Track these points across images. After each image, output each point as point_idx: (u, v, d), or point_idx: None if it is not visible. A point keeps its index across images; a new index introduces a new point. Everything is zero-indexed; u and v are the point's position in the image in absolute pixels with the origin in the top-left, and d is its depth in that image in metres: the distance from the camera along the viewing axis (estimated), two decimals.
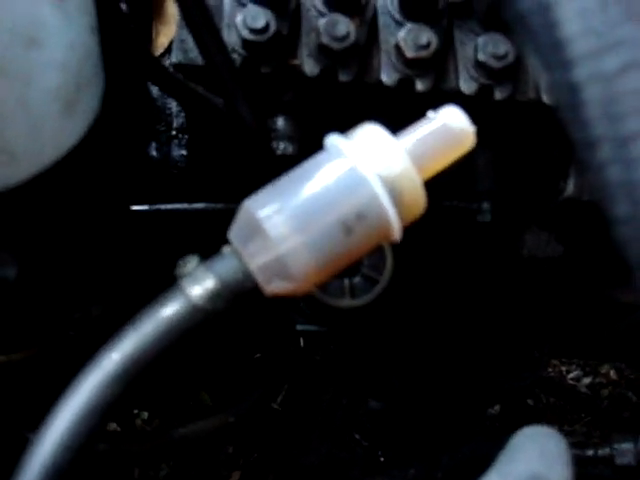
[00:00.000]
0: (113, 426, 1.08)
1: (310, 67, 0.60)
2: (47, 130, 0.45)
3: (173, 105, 0.68)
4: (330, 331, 0.77)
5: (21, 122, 0.43)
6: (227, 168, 0.67)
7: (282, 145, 0.63)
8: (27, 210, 0.50)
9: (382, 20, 0.62)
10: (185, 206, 0.67)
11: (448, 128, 0.40)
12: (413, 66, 0.60)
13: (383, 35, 0.62)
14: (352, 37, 0.58)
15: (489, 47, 0.60)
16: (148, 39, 0.66)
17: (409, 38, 0.59)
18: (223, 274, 0.39)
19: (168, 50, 0.66)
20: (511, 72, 0.62)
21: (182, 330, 0.38)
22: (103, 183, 0.59)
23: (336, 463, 0.86)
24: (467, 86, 0.62)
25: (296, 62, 0.60)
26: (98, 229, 0.61)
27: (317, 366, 0.87)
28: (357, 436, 0.87)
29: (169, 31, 0.67)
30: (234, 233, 0.40)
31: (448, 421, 0.91)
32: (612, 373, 1.60)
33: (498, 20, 0.61)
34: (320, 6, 0.61)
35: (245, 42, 0.58)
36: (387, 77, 0.61)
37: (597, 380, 1.61)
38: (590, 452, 0.80)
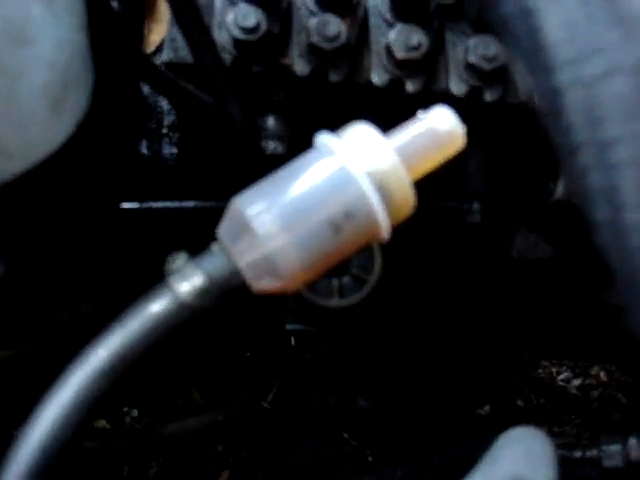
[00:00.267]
0: (102, 424, 1.08)
1: (301, 67, 0.60)
2: (35, 127, 0.45)
3: (164, 103, 0.68)
4: (320, 331, 0.77)
5: (9, 118, 0.43)
6: (217, 166, 0.67)
7: (272, 144, 0.63)
8: (16, 207, 0.50)
9: (373, 21, 0.62)
10: (175, 204, 0.67)
11: (438, 128, 0.40)
12: (403, 67, 0.61)
13: (374, 36, 0.62)
14: (343, 37, 0.59)
15: (480, 49, 0.61)
16: (140, 37, 0.66)
17: (400, 39, 0.60)
18: (211, 271, 0.39)
19: (160, 48, 0.66)
20: (501, 74, 0.62)
21: (169, 327, 0.38)
22: (93, 180, 0.59)
23: (325, 462, 0.86)
24: (457, 88, 0.62)
25: (287, 62, 0.60)
26: (88, 226, 0.61)
27: (307, 365, 0.87)
28: (346, 435, 0.87)
29: (161, 29, 0.67)
30: (223, 230, 0.40)
31: (438, 421, 0.91)
32: (602, 375, 1.61)
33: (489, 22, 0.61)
34: (311, 6, 0.61)
35: (236, 41, 0.58)
36: (377, 78, 0.61)
37: (587, 382, 1.61)
38: (578, 454, 0.80)
